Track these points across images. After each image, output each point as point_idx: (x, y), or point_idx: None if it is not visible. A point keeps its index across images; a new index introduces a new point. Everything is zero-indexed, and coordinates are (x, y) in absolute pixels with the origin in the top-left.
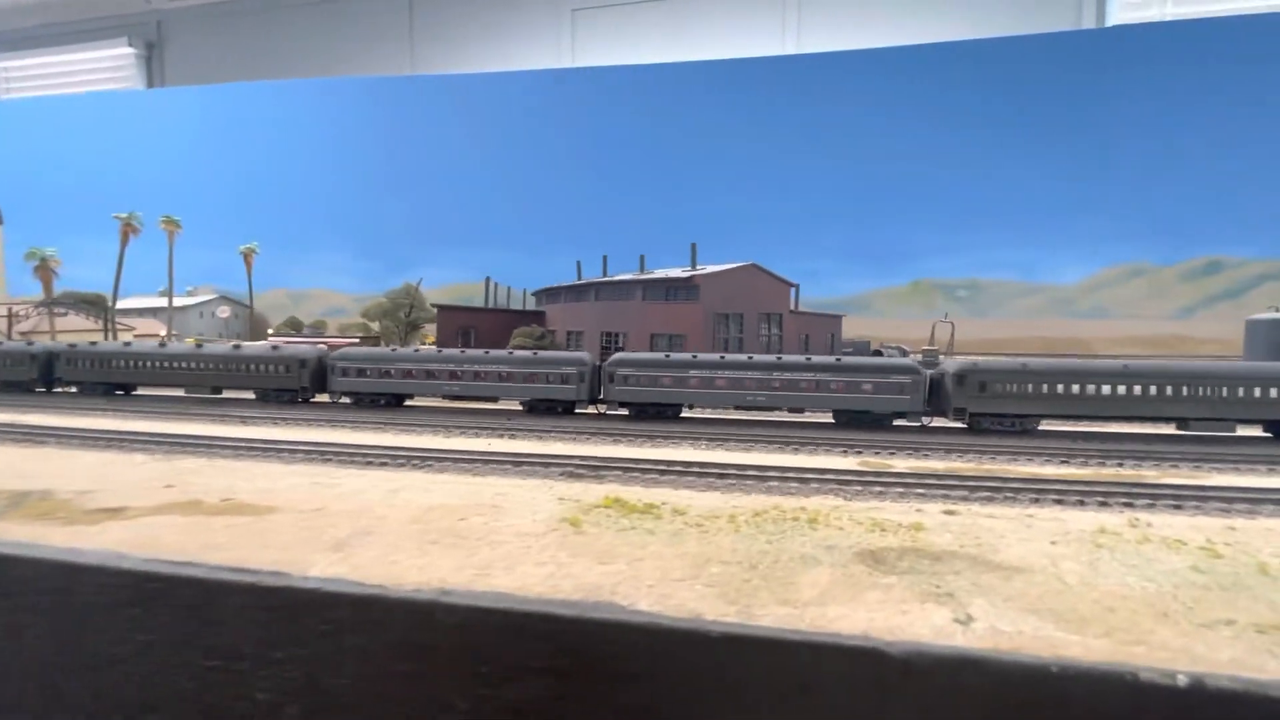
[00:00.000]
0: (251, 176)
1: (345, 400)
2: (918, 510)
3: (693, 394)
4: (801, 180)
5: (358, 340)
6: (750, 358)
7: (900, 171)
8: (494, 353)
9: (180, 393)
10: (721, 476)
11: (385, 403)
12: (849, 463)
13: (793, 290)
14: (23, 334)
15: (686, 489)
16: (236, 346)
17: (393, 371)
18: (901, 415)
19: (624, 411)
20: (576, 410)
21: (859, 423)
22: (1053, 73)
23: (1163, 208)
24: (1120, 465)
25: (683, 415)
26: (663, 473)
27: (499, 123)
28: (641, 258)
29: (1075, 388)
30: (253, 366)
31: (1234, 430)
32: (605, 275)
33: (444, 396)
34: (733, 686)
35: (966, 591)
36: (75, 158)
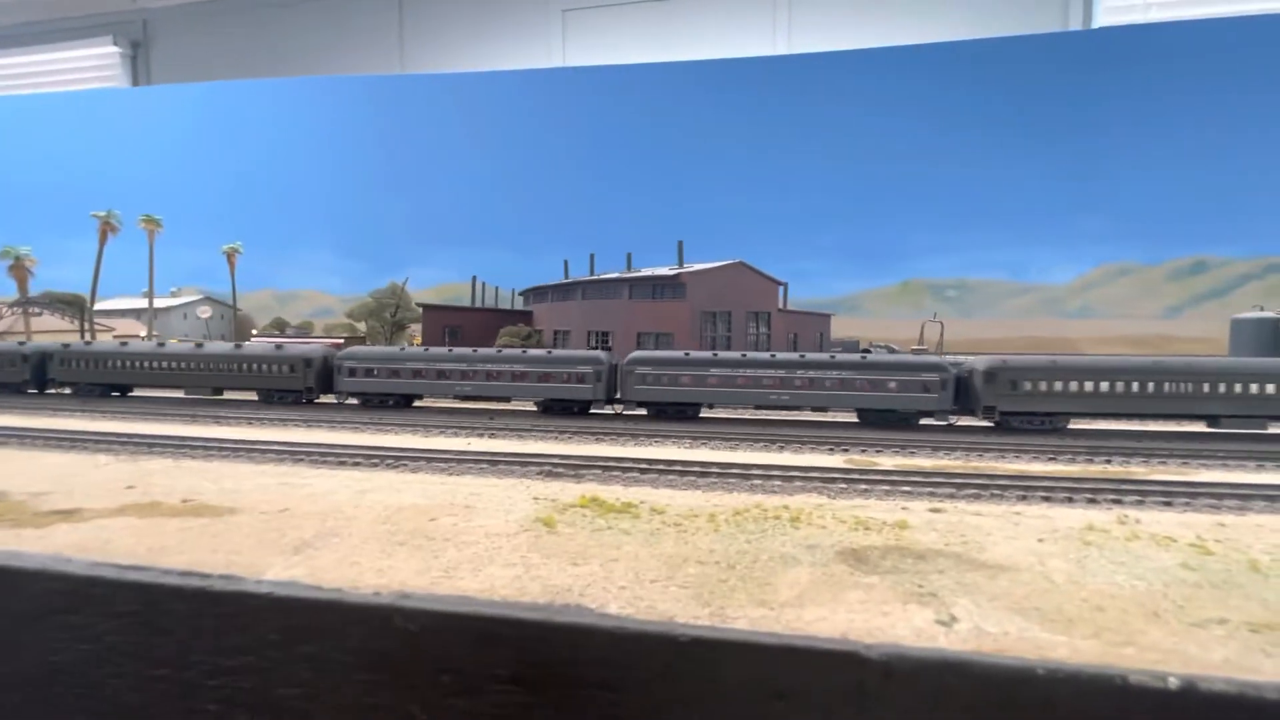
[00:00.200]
0: (238, 176)
1: (352, 401)
2: (903, 508)
3: (713, 393)
4: (792, 180)
5: (342, 341)
6: (773, 355)
7: (891, 172)
8: (507, 351)
9: (180, 394)
10: (703, 475)
11: (394, 403)
12: (834, 460)
13: (781, 289)
14: None
15: (667, 488)
16: (238, 346)
17: (402, 371)
18: (929, 414)
19: (642, 411)
20: (592, 410)
21: (884, 422)
22: (1041, 74)
23: (1149, 207)
24: (1108, 462)
25: (686, 415)
26: (643, 471)
27: (488, 123)
28: (628, 256)
29: (1105, 385)
30: (255, 366)
31: (1265, 428)
32: (593, 274)
33: (455, 397)
34: (704, 693)
35: (950, 591)
36: (58, 157)
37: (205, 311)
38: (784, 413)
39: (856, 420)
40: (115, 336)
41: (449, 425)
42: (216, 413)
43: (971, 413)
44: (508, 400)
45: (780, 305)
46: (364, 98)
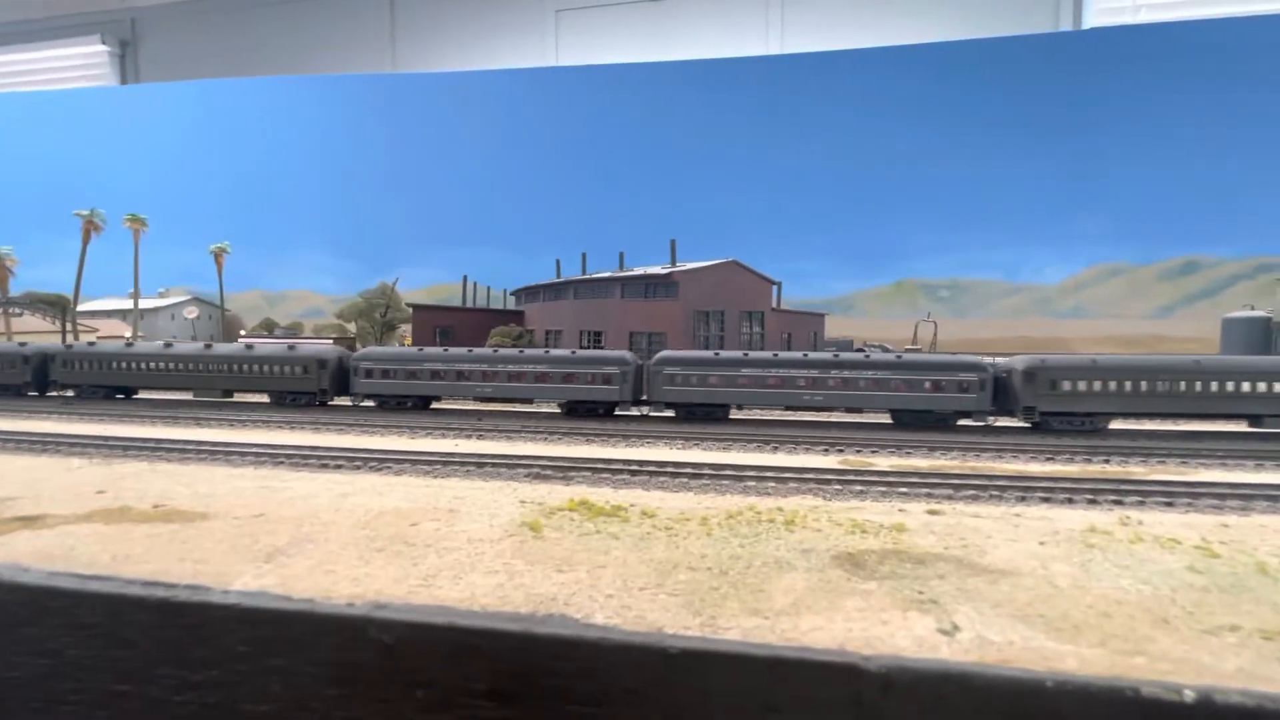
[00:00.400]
0: (228, 175)
1: (368, 403)
2: (900, 510)
3: (743, 394)
4: (786, 180)
5: (331, 342)
6: (805, 355)
7: (885, 172)
8: (530, 352)
9: (188, 395)
10: (695, 476)
11: (412, 405)
12: (829, 461)
13: (775, 288)
14: None
15: (658, 490)
16: (249, 346)
17: (420, 373)
18: (966, 415)
19: (669, 414)
20: (618, 412)
21: (920, 423)
22: (1035, 75)
23: (1141, 208)
24: (1107, 461)
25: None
26: (634, 473)
27: (481, 122)
28: (620, 255)
29: (1145, 384)
30: (267, 368)
31: None
32: (585, 273)
33: (475, 399)
34: (695, 707)
35: (951, 597)
36: (44, 156)
37: (192, 312)
38: (776, 412)
39: (855, 420)
40: (99, 338)
41: (434, 426)
42: (197, 414)
43: (1009, 413)
44: (530, 402)
45: (774, 305)
46: (355, 96)
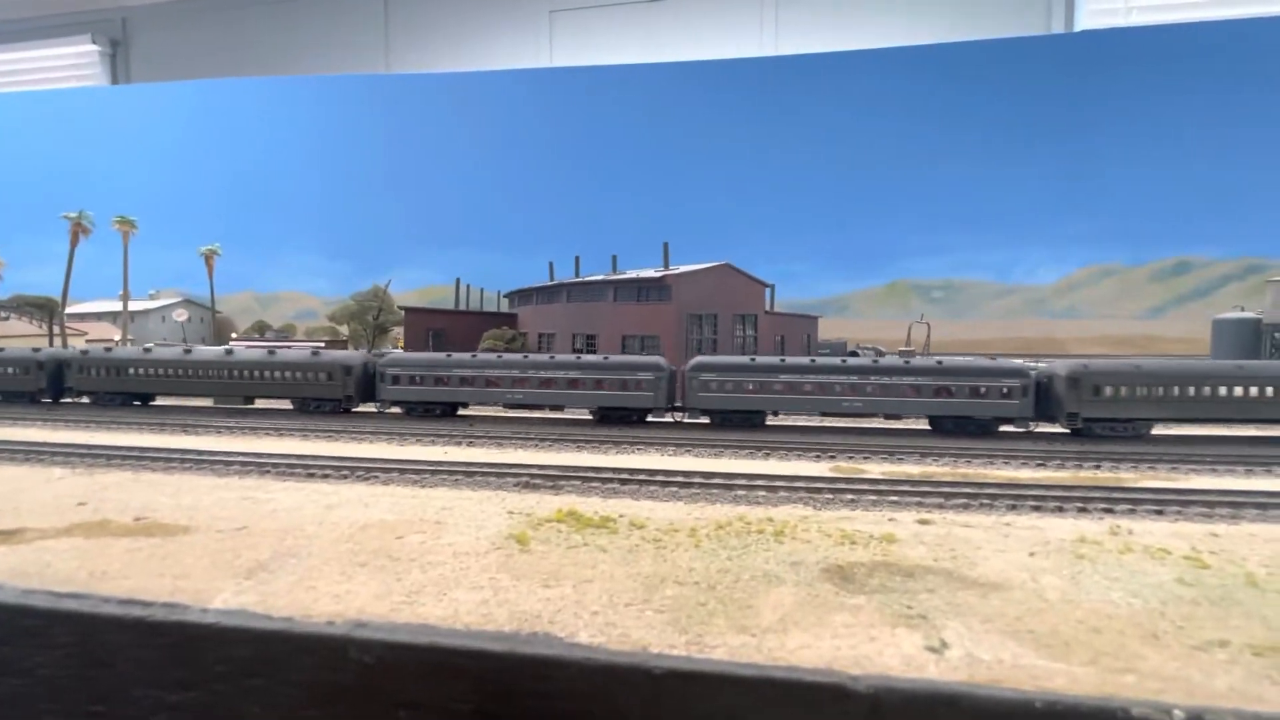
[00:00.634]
0: (219, 176)
1: (395, 410)
2: (890, 519)
3: (780, 400)
4: (780, 181)
5: (323, 345)
6: (844, 361)
7: (879, 173)
8: (560, 357)
9: (208, 402)
10: (686, 485)
11: (440, 412)
12: (820, 469)
13: (768, 291)
14: None
15: (648, 499)
16: (271, 352)
17: (449, 379)
18: (1008, 421)
19: (704, 420)
20: (650, 419)
21: (960, 430)
22: (1027, 76)
23: (1133, 209)
24: (1097, 468)
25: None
26: (624, 481)
27: (475, 123)
28: (614, 258)
29: (1191, 390)
30: (291, 374)
31: None
32: (578, 276)
33: (505, 406)
34: None
35: (941, 612)
36: (34, 156)
37: (181, 315)
38: (771, 417)
39: (852, 425)
40: (89, 341)
41: (424, 433)
42: (185, 421)
43: (1051, 419)
44: (560, 409)
45: (767, 307)
46: (349, 97)
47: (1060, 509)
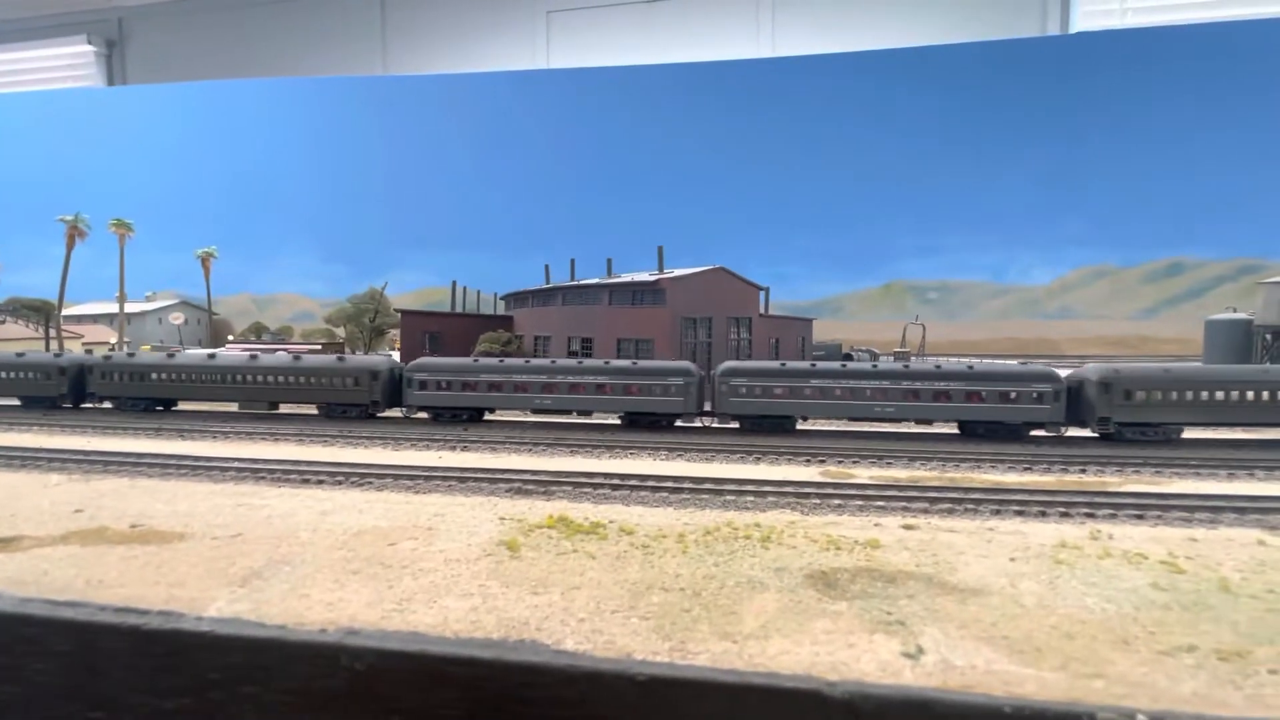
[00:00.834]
0: (216, 178)
1: (421, 415)
2: (876, 524)
3: (810, 405)
4: (775, 184)
5: (319, 348)
6: (875, 365)
7: (874, 176)
8: (589, 362)
9: (233, 407)
10: (676, 490)
11: (468, 418)
12: (810, 473)
13: (762, 294)
14: None
15: (638, 505)
16: (297, 358)
17: (477, 384)
18: (1039, 425)
19: (734, 425)
20: (679, 424)
21: (993, 435)
22: (1022, 78)
23: (1127, 211)
24: (1083, 472)
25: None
26: (615, 487)
27: (472, 125)
28: (609, 261)
29: (1221, 394)
30: (317, 379)
31: None
32: (573, 279)
33: (534, 411)
34: None
35: (919, 618)
36: (29, 158)
37: (178, 317)
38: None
39: (849, 429)
40: (86, 343)
41: (419, 438)
42: (180, 425)
43: (1082, 423)
44: (589, 414)
45: (761, 310)
46: (346, 98)
47: (1044, 514)
